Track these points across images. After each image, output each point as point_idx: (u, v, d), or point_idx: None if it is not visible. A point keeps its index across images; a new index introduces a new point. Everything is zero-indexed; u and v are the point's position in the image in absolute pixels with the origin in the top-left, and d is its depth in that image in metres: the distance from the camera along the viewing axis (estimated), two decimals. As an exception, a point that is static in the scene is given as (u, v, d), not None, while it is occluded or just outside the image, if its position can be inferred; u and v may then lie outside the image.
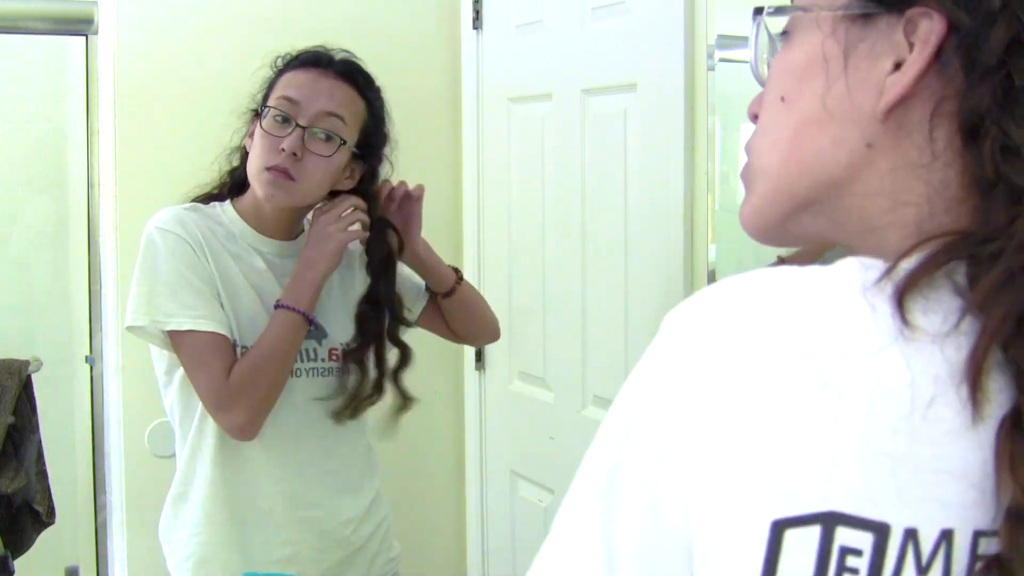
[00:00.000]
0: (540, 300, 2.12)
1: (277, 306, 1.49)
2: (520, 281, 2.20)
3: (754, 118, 0.62)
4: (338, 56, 1.57)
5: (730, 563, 0.46)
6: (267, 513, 1.56)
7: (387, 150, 1.61)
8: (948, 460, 0.45)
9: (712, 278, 1.65)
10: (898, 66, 0.52)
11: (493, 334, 1.81)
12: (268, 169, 1.47)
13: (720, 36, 1.60)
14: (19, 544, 2.27)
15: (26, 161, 2.47)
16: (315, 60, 1.55)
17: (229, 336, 1.47)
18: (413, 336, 1.77)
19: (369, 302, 1.59)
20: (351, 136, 1.52)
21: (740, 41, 1.61)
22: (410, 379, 1.74)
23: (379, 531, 1.69)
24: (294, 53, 1.58)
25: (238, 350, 1.49)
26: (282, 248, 1.58)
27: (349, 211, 1.54)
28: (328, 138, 1.49)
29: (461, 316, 1.73)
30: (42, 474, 2.30)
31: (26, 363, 2.30)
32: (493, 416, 2.34)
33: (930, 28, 0.50)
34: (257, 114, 1.55)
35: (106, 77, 2.13)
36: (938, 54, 0.51)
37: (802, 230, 0.59)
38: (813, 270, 0.50)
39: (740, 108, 1.64)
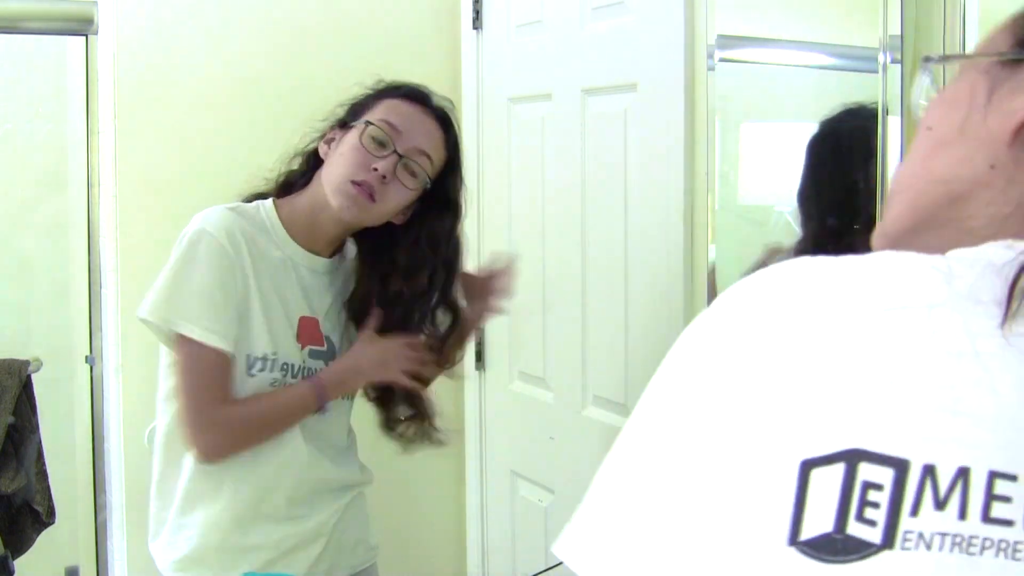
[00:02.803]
0: (540, 300, 2.12)
1: (310, 379, 1.52)
2: (520, 281, 2.20)
3: None
4: (438, 101, 1.59)
5: (762, 502, 0.50)
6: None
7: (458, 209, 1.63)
8: (965, 403, 0.49)
9: (712, 278, 1.65)
10: None
11: None
12: (355, 183, 1.47)
13: (720, 36, 1.60)
14: (19, 544, 2.27)
15: (26, 161, 2.47)
16: (420, 97, 1.57)
17: (231, 356, 1.46)
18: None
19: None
20: (432, 178, 1.55)
21: (740, 41, 1.61)
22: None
23: (360, 513, 1.69)
24: (398, 83, 1.59)
25: (258, 362, 1.49)
26: (315, 263, 1.57)
27: (413, 355, 1.60)
28: (414, 174, 1.52)
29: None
30: (42, 474, 2.30)
31: (26, 363, 2.30)
32: (493, 416, 2.34)
33: None
34: (343, 125, 1.55)
35: (106, 77, 2.13)
36: None
37: (921, 249, 0.63)
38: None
39: (740, 108, 1.65)
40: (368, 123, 1.50)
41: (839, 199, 1.47)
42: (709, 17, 1.62)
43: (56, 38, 2.28)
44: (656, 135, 1.75)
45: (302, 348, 1.54)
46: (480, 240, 2.33)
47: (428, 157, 1.53)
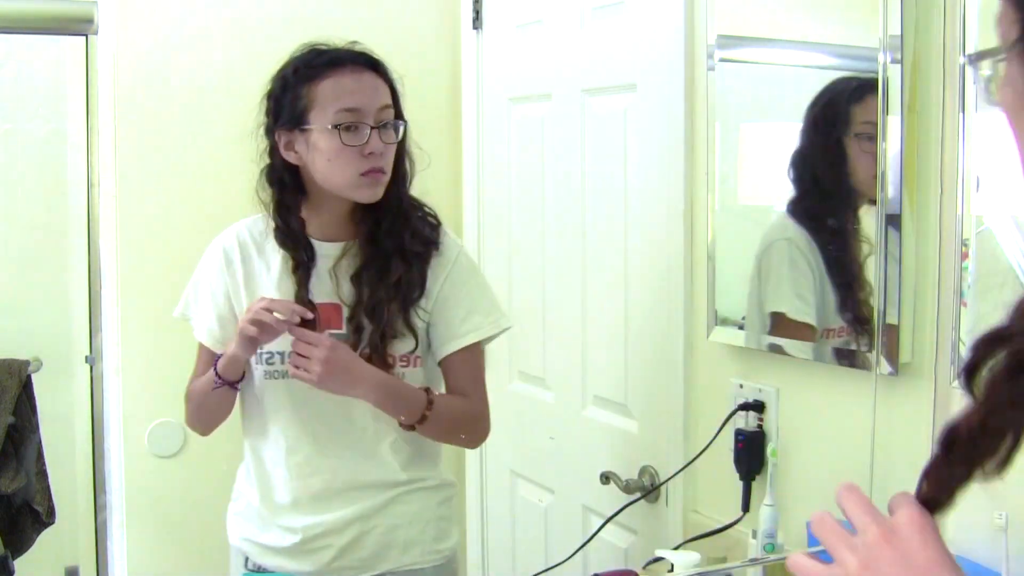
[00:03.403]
0: (540, 300, 2.12)
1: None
2: (520, 281, 2.20)
3: None
4: (351, 48, 1.58)
5: None
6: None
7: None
8: None
9: (712, 278, 1.65)
10: None
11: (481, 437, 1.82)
12: (365, 175, 1.52)
13: (720, 36, 1.60)
14: (19, 544, 2.27)
15: (26, 161, 2.47)
16: (341, 59, 1.55)
17: (211, 345, 1.62)
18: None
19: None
20: (400, 115, 1.59)
21: (740, 41, 1.61)
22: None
23: (421, 512, 1.66)
24: (307, 58, 1.56)
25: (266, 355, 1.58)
26: (341, 249, 1.59)
27: None
28: (395, 128, 1.56)
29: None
30: (42, 474, 2.30)
31: (26, 363, 2.31)
32: (493, 416, 2.34)
33: None
34: (293, 128, 1.53)
35: (106, 77, 2.13)
36: None
37: None
38: None
39: (740, 108, 1.65)
40: (334, 126, 1.50)
41: (828, 161, 1.49)
42: (709, 17, 1.62)
43: (56, 38, 2.28)
44: (656, 135, 1.75)
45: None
46: (480, 240, 2.33)
47: (389, 106, 1.56)
